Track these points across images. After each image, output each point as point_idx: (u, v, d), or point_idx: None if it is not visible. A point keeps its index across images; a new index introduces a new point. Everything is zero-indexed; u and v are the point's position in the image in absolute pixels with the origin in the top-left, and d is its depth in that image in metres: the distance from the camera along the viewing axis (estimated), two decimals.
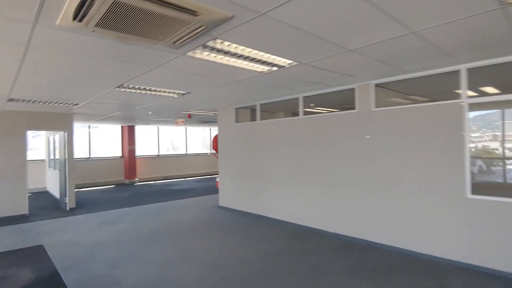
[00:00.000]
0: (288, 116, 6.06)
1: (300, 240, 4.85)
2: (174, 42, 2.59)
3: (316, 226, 5.28)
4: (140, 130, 13.89)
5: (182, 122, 9.23)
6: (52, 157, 9.27)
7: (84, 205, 7.94)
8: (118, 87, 4.52)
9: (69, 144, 7.37)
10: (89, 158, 11.87)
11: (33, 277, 3.62)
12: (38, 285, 3.42)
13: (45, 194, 9.87)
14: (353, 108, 4.79)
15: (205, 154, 15.85)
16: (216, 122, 8.17)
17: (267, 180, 6.24)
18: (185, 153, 15.24)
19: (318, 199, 5.26)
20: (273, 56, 3.23)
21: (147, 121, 10.66)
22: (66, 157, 7.35)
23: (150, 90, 4.82)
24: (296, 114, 5.72)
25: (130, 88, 4.65)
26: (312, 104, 5.65)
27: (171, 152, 15.25)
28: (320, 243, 4.69)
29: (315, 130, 5.31)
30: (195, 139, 16.29)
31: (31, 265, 3.96)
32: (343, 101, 5.15)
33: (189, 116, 8.95)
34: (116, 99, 5.66)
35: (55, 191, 8.88)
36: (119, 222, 6.14)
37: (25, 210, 6.74)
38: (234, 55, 3.12)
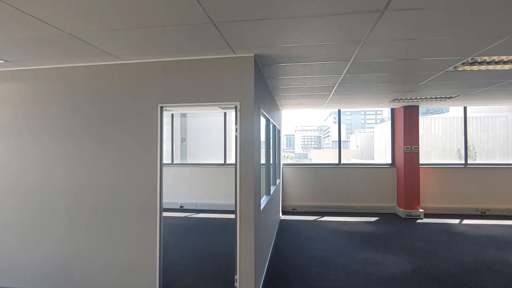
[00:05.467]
0: None
1: None
2: None
3: None
4: (427, 120, 7.65)
5: None
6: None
7: (286, 282, 3.21)
8: None
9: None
10: (338, 164, 7.31)
11: None
12: None
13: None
14: None
15: None
16: None
17: None
18: None
19: None
20: None
21: (444, 86, 4.32)
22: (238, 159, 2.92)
23: None
24: None
25: None
26: None
27: (471, 159, 7.60)
28: None
29: None
30: None
31: None
32: None
33: None
34: None
35: None
36: None
37: None
38: None
